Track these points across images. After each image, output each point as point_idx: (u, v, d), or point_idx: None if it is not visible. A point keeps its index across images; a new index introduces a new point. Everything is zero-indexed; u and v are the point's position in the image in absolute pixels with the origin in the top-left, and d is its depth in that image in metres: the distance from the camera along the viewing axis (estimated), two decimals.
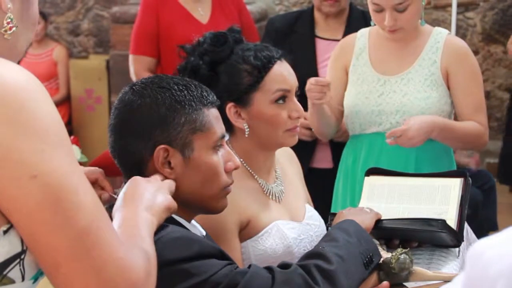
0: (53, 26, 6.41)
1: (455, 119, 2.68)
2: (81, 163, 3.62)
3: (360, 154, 2.66)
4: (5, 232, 1.00)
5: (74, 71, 6.01)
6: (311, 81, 2.48)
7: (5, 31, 1.13)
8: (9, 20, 1.13)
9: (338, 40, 3.15)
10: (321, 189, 2.78)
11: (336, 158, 2.94)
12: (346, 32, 3.11)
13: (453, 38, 2.69)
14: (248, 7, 4.50)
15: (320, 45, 3.25)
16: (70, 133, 5.83)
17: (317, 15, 3.36)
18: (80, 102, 6.04)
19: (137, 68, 3.37)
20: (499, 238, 0.82)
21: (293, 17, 3.43)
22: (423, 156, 2.59)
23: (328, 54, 3.07)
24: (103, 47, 6.27)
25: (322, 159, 3.14)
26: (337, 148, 2.99)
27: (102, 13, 6.30)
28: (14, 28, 1.13)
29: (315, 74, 3.01)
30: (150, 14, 3.38)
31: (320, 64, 3.19)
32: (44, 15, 5.93)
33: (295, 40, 3.29)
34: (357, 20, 3.23)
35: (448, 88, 2.59)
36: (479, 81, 2.62)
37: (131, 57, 3.45)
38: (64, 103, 6.00)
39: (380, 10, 2.51)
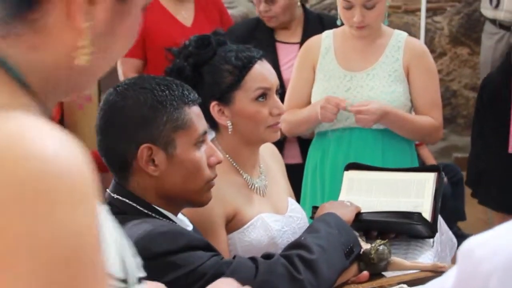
0: None
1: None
2: None
3: (328, 150, 2.65)
4: None
5: None
6: (330, 101, 2.49)
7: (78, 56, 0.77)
8: (84, 42, 0.76)
9: (297, 43, 3.12)
10: (292, 183, 2.75)
11: (304, 153, 2.91)
12: (304, 35, 3.09)
13: (412, 39, 2.72)
14: (230, 11, 4.45)
15: (280, 48, 3.19)
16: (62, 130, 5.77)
17: None
18: (71, 102, 5.98)
19: (125, 69, 3.31)
20: (490, 235, 0.81)
21: (253, 24, 3.32)
22: (389, 151, 2.61)
23: (288, 57, 3.08)
24: None
25: (292, 155, 3.10)
26: (304, 143, 2.96)
27: None
28: (86, 57, 0.76)
29: (279, 76, 2.95)
30: None
31: (283, 66, 3.11)
32: None
33: (256, 45, 3.22)
34: (313, 22, 3.19)
35: (409, 84, 2.62)
36: (435, 79, 2.66)
37: (118, 59, 3.38)
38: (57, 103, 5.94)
39: (349, 7, 2.52)
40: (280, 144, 3.11)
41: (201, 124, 1.59)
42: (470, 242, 0.79)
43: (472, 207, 4.09)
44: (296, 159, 3.08)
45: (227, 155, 1.90)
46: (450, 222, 3.96)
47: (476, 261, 0.76)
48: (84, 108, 5.74)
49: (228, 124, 1.87)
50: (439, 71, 5.30)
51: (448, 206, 3.92)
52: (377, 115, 2.47)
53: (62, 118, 6.01)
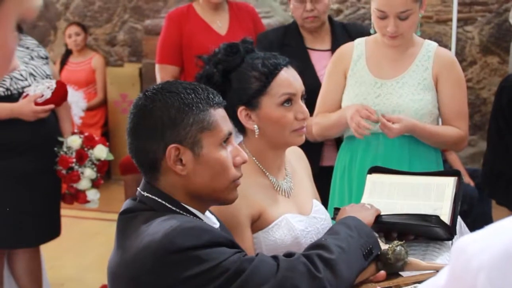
0: (92, 38, 6.45)
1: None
2: (108, 161, 3.59)
3: (356, 154, 2.65)
4: None
5: (111, 77, 6.05)
6: (362, 115, 2.46)
7: None
8: None
9: (328, 50, 3.13)
10: (328, 184, 2.76)
11: None
12: (333, 42, 3.12)
13: (442, 49, 2.68)
14: (267, 20, 4.48)
15: (313, 55, 3.19)
16: (106, 134, 5.86)
17: (302, 30, 3.27)
18: (115, 106, 6.07)
19: (163, 76, 3.35)
20: (482, 233, 0.80)
21: (281, 31, 3.31)
22: (415, 156, 2.59)
23: (322, 63, 3.07)
24: (136, 56, 6.28)
25: (330, 157, 3.10)
26: None
27: (136, 25, 6.31)
28: None
29: (318, 82, 2.96)
30: (174, 26, 3.37)
31: (319, 72, 3.11)
32: (84, 28, 5.99)
33: (289, 52, 3.22)
34: (339, 31, 3.21)
35: (437, 93, 2.59)
36: (463, 90, 2.62)
37: (157, 66, 3.42)
38: (101, 107, 6.04)
39: (384, 17, 2.52)
40: (319, 148, 3.12)
41: (226, 125, 1.61)
42: (462, 240, 0.78)
43: (499, 212, 4.03)
44: (334, 161, 3.09)
45: (254, 158, 1.92)
46: (477, 226, 3.90)
47: (467, 259, 0.76)
48: (127, 113, 5.83)
49: (255, 128, 1.89)
50: (470, 80, 5.26)
51: (475, 210, 3.87)
52: (399, 130, 2.46)
53: (106, 122, 6.12)
